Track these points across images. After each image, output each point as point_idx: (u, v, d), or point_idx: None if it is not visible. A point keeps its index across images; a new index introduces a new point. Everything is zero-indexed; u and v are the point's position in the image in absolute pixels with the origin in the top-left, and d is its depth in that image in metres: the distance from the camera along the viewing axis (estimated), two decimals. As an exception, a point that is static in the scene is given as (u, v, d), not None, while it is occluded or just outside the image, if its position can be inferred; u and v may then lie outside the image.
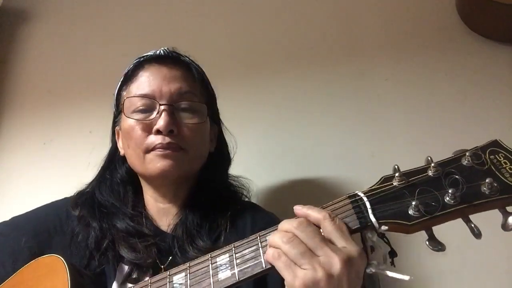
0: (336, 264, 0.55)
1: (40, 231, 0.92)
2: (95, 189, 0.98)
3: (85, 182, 1.03)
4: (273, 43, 1.49)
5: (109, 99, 1.49)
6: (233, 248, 0.64)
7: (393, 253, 0.61)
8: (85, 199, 0.97)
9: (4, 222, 0.98)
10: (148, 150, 0.89)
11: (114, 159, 1.01)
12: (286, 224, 0.61)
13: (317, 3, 1.50)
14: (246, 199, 1.06)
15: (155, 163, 0.88)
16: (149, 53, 0.99)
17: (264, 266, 0.61)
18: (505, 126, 1.20)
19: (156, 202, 0.96)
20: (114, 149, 1.02)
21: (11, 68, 1.68)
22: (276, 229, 0.63)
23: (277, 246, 0.59)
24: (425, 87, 1.31)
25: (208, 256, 0.66)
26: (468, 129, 1.23)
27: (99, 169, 1.02)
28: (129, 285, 0.83)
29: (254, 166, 1.29)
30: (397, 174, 0.60)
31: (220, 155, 1.04)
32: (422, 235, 0.59)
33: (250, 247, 0.63)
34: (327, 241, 0.58)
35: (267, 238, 0.63)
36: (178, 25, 1.61)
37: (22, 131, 1.58)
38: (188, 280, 0.65)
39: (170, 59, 0.98)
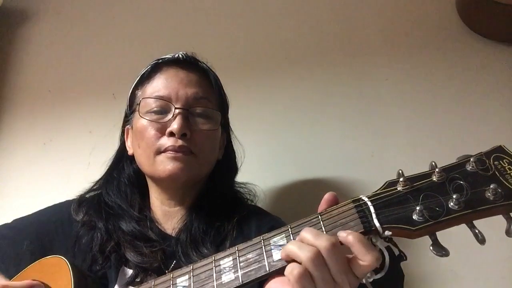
0: None
1: (42, 234, 0.92)
2: (102, 188, 0.98)
3: (85, 182, 1.02)
4: (273, 44, 1.49)
5: (109, 99, 1.51)
6: (236, 251, 0.64)
7: (400, 257, 0.60)
8: (91, 199, 0.97)
9: (7, 224, 0.98)
10: (159, 152, 0.89)
11: (122, 159, 1.01)
12: (312, 239, 0.57)
13: (318, 3, 1.49)
14: (252, 204, 1.06)
15: (165, 165, 0.88)
16: (167, 56, 0.99)
17: (267, 269, 0.61)
18: (505, 126, 1.20)
19: (162, 205, 0.96)
20: (122, 148, 1.02)
21: (11, 68, 1.67)
22: (280, 232, 0.63)
23: (300, 260, 0.56)
24: (425, 87, 1.30)
25: (211, 259, 0.66)
26: (468, 129, 1.22)
27: (107, 168, 1.02)
28: (132, 288, 0.83)
29: (253, 167, 1.28)
30: (401, 179, 0.59)
31: (227, 163, 1.04)
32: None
33: (254, 250, 0.63)
34: (349, 268, 0.57)
35: (271, 241, 0.63)
36: (179, 25, 1.60)
37: (22, 131, 1.58)
38: (192, 283, 0.64)
39: (188, 64, 0.98)
